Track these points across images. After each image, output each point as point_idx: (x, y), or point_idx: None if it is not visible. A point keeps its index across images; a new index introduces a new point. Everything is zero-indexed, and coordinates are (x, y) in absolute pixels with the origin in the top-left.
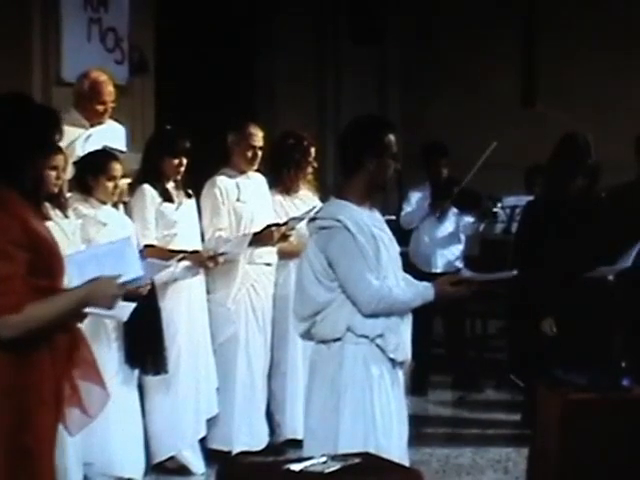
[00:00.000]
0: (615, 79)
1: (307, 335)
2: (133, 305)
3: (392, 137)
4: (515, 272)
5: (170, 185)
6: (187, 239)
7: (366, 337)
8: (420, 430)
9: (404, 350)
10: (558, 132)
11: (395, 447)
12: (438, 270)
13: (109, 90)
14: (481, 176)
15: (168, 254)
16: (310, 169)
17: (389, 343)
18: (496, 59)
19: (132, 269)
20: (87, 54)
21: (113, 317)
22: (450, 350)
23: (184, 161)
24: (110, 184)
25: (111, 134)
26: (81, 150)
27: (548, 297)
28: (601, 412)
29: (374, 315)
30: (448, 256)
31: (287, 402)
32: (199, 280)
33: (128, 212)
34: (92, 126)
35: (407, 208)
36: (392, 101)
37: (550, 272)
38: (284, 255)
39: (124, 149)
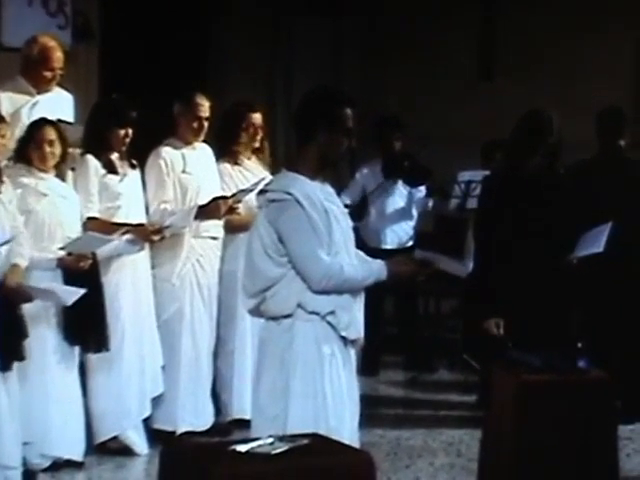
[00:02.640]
0: (576, 53)
1: (256, 312)
2: (82, 291)
3: (348, 112)
4: (470, 266)
5: (114, 156)
6: (131, 212)
7: (317, 314)
8: (371, 411)
9: (356, 328)
10: (516, 107)
11: (346, 428)
12: (388, 246)
13: (58, 56)
14: (437, 151)
15: (111, 227)
16: (250, 135)
17: (341, 320)
18: (454, 31)
19: None
20: (28, 19)
21: (58, 301)
22: (402, 329)
23: (130, 132)
24: (46, 149)
25: (58, 102)
26: (27, 118)
27: (497, 297)
28: (556, 394)
29: (325, 292)
30: (398, 232)
31: (234, 381)
32: (144, 255)
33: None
34: (39, 93)
35: (350, 189)
36: (347, 74)
37: (501, 265)
38: (232, 228)
39: (72, 120)
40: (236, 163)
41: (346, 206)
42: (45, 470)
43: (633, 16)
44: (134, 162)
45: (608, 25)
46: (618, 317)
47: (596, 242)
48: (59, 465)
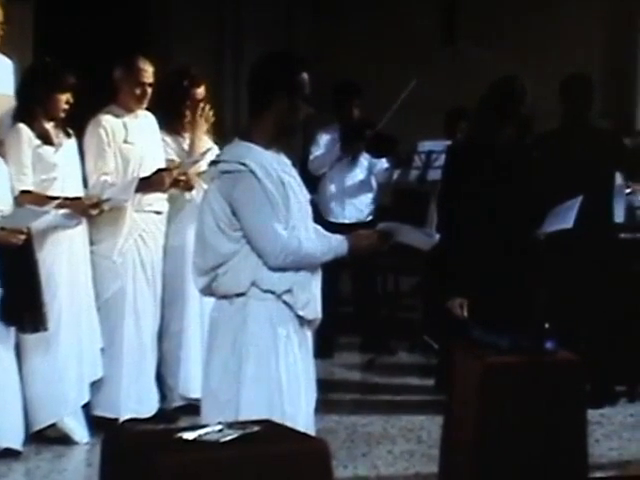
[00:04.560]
0: (543, 16)
1: (207, 290)
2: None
3: (306, 77)
4: (437, 238)
5: (49, 125)
6: (68, 184)
7: (272, 293)
8: (326, 396)
9: (314, 307)
10: (480, 72)
11: (302, 414)
12: (346, 221)
13: None
14: (396, 119)
15: (46, 201)
16: (193, 111)
17: (298, 299)
18: None
19: None
20: None
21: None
22: (359, 308)
23: (71, 98)
24: None
25: None
26: None
27: (461, 275)
28: (523, 377)
29: (281, 269)
30: (358, 205)
31: (181, 364)
32: (81, 230)
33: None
34: None
35: (316, 151)
36: (300, 36)
37: (466, 237)
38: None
39: (11, 89)
40: (178, 134)
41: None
42: None
43: None
44: (70, 131)
45: None
46: (586, 296)
47: (565, 217)
48: None
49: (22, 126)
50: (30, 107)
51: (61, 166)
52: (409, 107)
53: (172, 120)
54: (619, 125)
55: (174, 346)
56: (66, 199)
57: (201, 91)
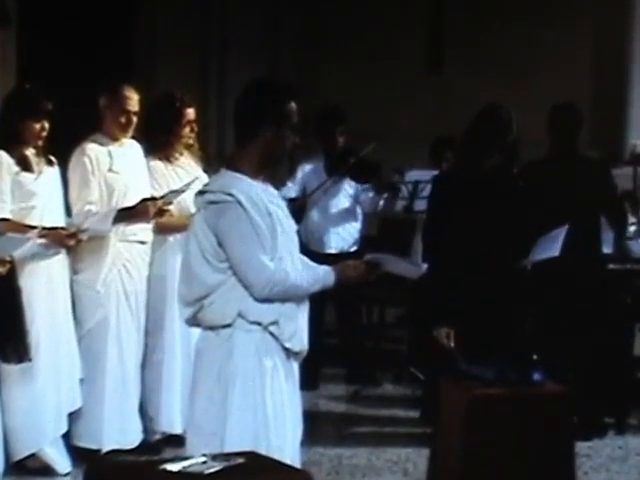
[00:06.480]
0: (530, 44)
1: (193, 321)
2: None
3: (294, 106)
4: (424, 268)
5: (30, 152)
6: (47, 213)
7: (259, 324)
8: (310, 428)
9: (301, 339)
10: (467, 102)
11: (288, 446)
12: (332, 251)
13: None
14: (382, 147)
15: (24, 229)
16: (187, 132)
17: (284, 331)
18: (400, 20)
19: None
20: None
21: None
22: (344, 339)
23: (46, 125)
24: None
25: None
26: None
27: (447, 305)
28: (510, 409)
29: (268, 300)
30: (343, 235)
31: (162, 394)
32: (60, 259)
33: None
34: None
35: (289, 184)
36: (284, 64)
37: (452, 267)
38: (160, 229)
39: None
40: (169, 161)
41: (291, 200)
42: None
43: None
44: (52, 159)
45: (559, 15)
46: (574, 327)
47: (552, 246)
48: None
49: (1, 152)
50: (9, 133)
51: (40, 195)
52: (395, 137)
53: (165, 143)
54: (609, 154)
55: (155, 375)
56: (44, 228)
57: (192, 111)
